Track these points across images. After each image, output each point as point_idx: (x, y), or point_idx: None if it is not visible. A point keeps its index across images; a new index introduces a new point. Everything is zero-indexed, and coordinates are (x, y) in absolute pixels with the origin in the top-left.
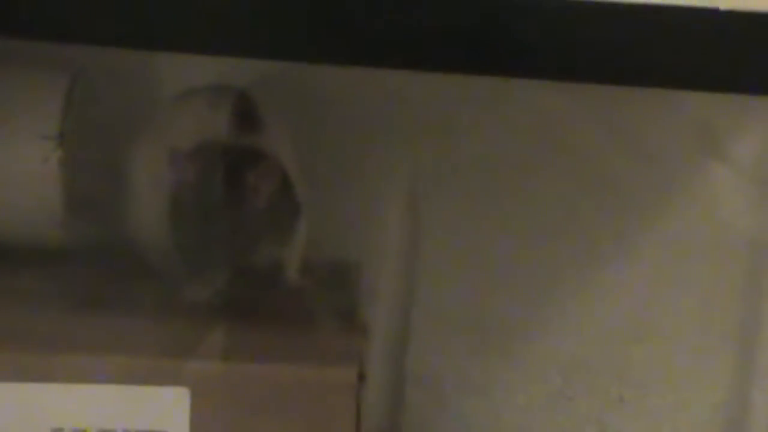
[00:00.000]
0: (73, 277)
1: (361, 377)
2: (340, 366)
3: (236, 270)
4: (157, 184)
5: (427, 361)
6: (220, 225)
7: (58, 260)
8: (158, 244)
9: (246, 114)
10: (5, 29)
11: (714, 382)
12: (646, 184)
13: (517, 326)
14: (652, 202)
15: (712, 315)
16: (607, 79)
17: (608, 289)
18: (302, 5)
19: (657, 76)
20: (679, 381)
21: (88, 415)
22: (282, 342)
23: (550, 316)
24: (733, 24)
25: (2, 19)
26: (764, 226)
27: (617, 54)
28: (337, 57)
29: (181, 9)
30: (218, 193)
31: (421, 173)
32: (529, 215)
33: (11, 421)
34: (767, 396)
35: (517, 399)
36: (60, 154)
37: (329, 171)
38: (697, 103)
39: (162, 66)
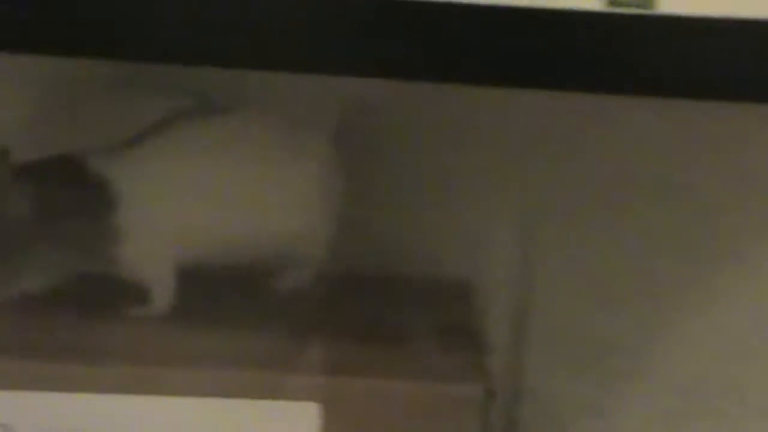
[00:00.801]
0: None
1: (489, 394)
2: (469, 383)
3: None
4: None
5: (542, 379)
6: None
7: None
8: None
9: None
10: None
11: None
12: (760, 202)
13: (634, 345)
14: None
15: None
16: (709, 95)
17: (727, 307)
18: (416, 25)
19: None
20: None
21: (217, 429)
22: (408, 358)
23: (668, 335)
24: None
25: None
26: None
27: (718, 68)
28: (449, 76)
29: (299, 29)
30: None
31: (535, 191)
32: (645, 233)
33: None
34: None
35: (635, 419)
36: None
37: (444, 188)
38: None
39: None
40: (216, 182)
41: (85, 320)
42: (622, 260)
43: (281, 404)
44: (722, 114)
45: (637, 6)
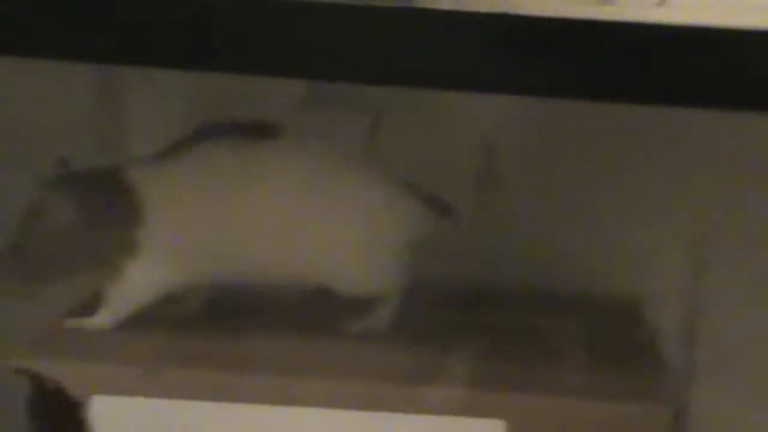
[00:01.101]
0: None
1: (677, 414)
2: (658, 403)
3: None
4: None
5: (709, 404)
6: None
7: None
8: None
9: None
10: (308, 73)
11: None
12: None
13: None
14: None
15: None
16: None
17: None
18: (580, 44)
19: None
20: None
21: None
22: (590, 377)
23: None
24: None
25: (305, 63)
26: None
27: None
28: (613, 95)
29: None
30: None
31: (705, 209)
32: None
33: None
34: None
35: None
36: None
37: (615, 206)
38: None
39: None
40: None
41: (292, 335)
42: None
43: (468, 421)
44: None
45: None
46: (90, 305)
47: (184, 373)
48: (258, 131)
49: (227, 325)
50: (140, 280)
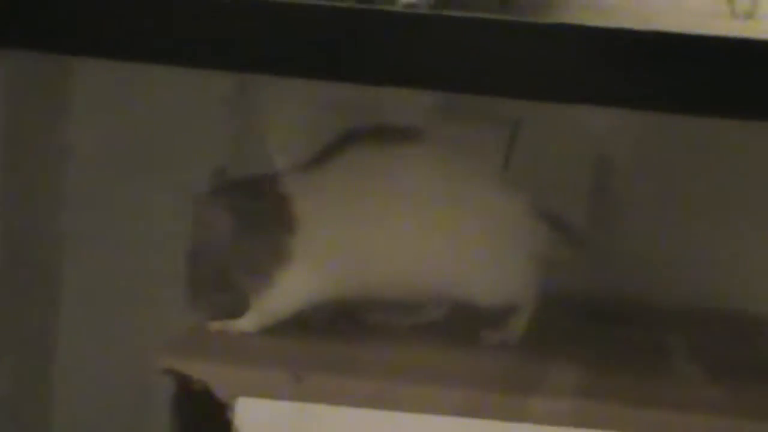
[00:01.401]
0: None
1: None
2: None
3: None
4: None
5: None
6: None
7: None
8: None
9: None
10: (439, 84)
11: None
12: None
13: None
14: None
15: None
16: None
17: None
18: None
19: None
20: None
21: None
22: (711, 392)
23: None
24: None
25: (442, 74)
26: None
27: None
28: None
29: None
30: None
31: None
32: None
33: None
34: None
35: None
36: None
37: (733, 223)
38: None
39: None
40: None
41: (432, 345)
42: None
43: None
44: None
45: None
46: (237, 310)
47: (329, 380)
48: (400, 136)
49: (370, 334)
50: (290, 288)
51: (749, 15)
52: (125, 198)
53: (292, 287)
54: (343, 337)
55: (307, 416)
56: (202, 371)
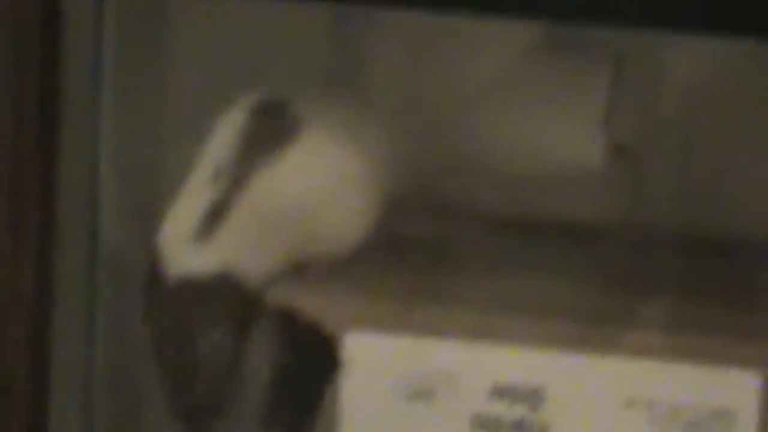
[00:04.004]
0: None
1: None
2: None
3: None
4: None
5: None
6: None
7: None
8: None
9: None
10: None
11: None
12: None
13: None
14: None
15: None
16: None
17: None
18: None
19: None
20: None
21: (654, 390)
22: None
23: None
24: None
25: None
26: None
27: None
28: None
29: None
30: None
31: None
32: None
33: (584, 391)
34: None
35: None
36: (606, 140)
37: None
38: None
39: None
40: None
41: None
42: None
43: (723, 372)
44: None
45: None
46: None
47: (436, 312)
48: None
49: (477, 266)
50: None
51: None
52: None
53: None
54: (455, 270)
55: (416, 349)
56: (311, 304)
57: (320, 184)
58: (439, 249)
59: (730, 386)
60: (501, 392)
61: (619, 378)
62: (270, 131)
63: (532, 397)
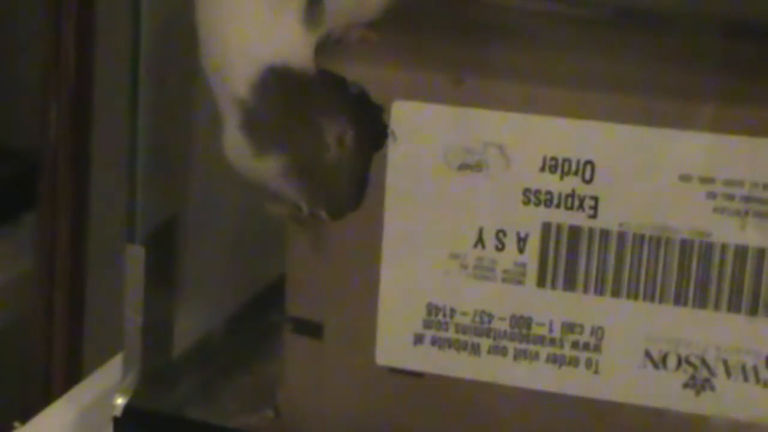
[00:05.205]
0: None
1: None
2: None
3: None
4: None
5: None
6: None
7: None
8: None
9: None
10: None
11: None
12: None
13: None
14: None
15: None
16: None
17: None
18: None
19: None
20: None
21: (716, 165)
22: None
23: None
24: None
25: None
26: None
27: None
28: None
29: None
30: None
31: None
32: None
33: (637, 165)
34: None
35: None
36: None
37: None
38: None
39: None
40: None
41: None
42: None
43: None
44: None
45: None
46: None
47: (487, 83)
48: None
49: (526, 39)
50: None
51: None
52: None
53: None
54: (501, 43)
55: (464, 119)
56: (358, 73)
57: None
58: (492, 20)
59: None
60: (553, 165)
61: (674, 152)
62: None
63: (584, 170)
